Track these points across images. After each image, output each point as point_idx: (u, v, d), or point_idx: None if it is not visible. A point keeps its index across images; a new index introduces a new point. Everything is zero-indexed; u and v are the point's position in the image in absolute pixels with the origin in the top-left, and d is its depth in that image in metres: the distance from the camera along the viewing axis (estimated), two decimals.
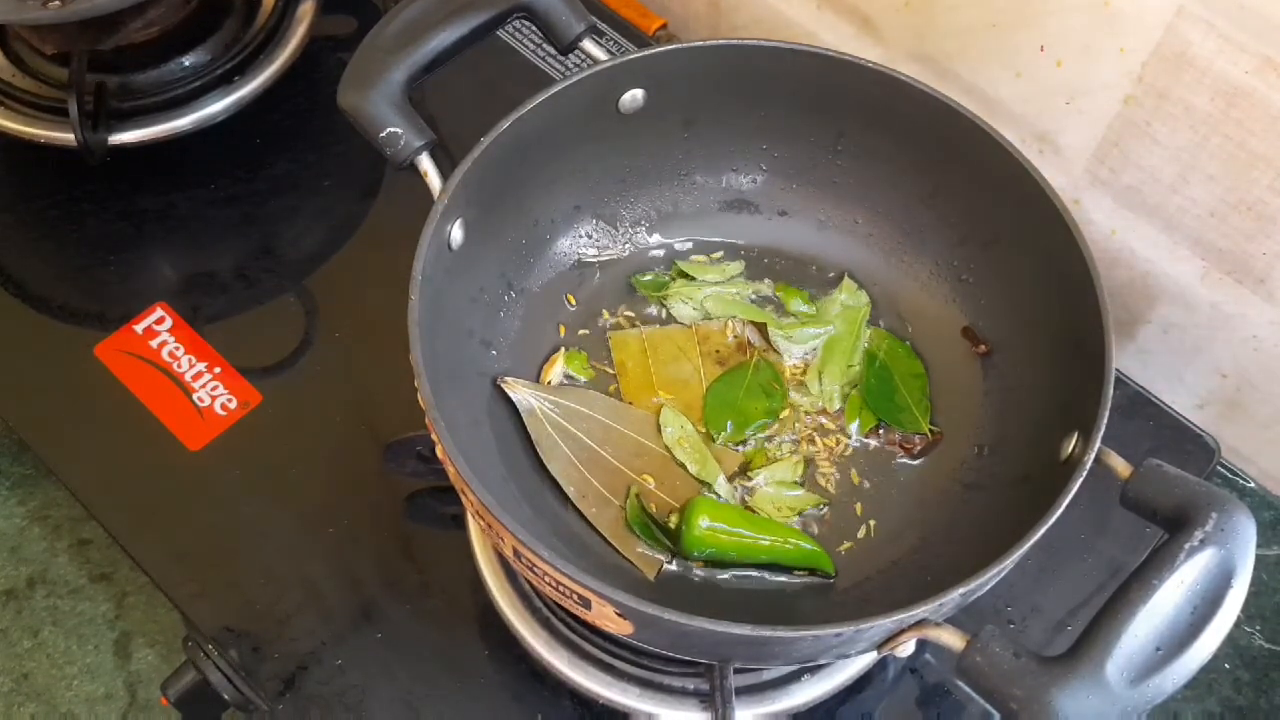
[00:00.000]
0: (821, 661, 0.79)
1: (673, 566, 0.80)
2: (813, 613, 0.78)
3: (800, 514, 0.82)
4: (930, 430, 0.85)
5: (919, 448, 0.85)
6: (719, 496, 0.81)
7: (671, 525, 0.79)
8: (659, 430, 0.84)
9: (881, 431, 0.86)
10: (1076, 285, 0.76)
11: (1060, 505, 0.67)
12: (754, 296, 0.90)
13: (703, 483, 0.82)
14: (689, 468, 0.83)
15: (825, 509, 0.82)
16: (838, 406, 0.86)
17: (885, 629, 0.65)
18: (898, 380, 0.87)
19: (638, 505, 0.80)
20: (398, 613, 0.83)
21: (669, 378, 0.86)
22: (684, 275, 0.90)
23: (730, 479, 0.82)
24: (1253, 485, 0.94)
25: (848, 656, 0.77)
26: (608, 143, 0.85)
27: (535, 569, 0.67)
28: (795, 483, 0.83)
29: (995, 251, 0.86)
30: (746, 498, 0.82)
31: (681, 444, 0.84)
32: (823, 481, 0.83)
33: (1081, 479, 0.68)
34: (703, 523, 0.77)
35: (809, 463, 0.84)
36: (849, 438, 0.86)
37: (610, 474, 0.82)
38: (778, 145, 0.91)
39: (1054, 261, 0.78)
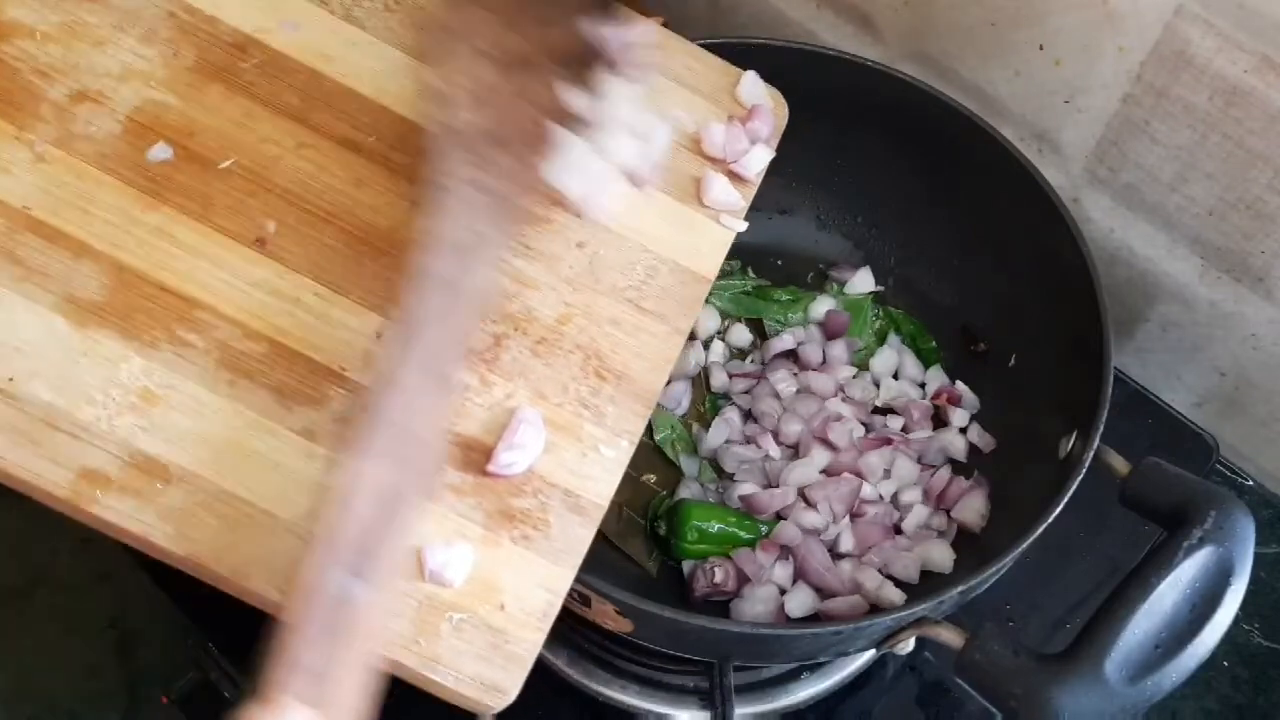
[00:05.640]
0: (821, 659, 0.79)
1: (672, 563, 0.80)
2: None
3: None
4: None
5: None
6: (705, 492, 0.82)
7: (661, 532, 0.80)
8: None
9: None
10: (1075, 283, 0.76)
11: (1059, 503, 0.67)
12: (750, 290, 0.91)
13: (694, 480, 0.82)
14: (682, 467, 0.83)
15: None
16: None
17: (885, 627, 0.65)
18: (919, 346, 0.89)
19: (637, 519, 0.81)
20: None
21: None
22: None
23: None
24: (1251, 483, 0.94)
25: (847, 654, 0.77)
26: None
27: None
28: None
29: (994, 250, 0.86)
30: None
31: (673, 445, 0.84)
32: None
33: (1080, 477, 0.68)
34: (692, 533, 0.78)
35: None
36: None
37: None
38: (778, 144, 0.91)
39: (1053, 260, 0.78)
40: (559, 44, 0.63)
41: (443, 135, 0.60)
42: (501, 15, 0.63)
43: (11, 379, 0.54)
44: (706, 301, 0.89)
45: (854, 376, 0.86)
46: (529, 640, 0.55)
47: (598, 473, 0.59)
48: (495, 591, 0.55)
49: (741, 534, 0.78)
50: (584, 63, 0.64)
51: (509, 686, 0.54)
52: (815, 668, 0.80)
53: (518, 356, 0.61)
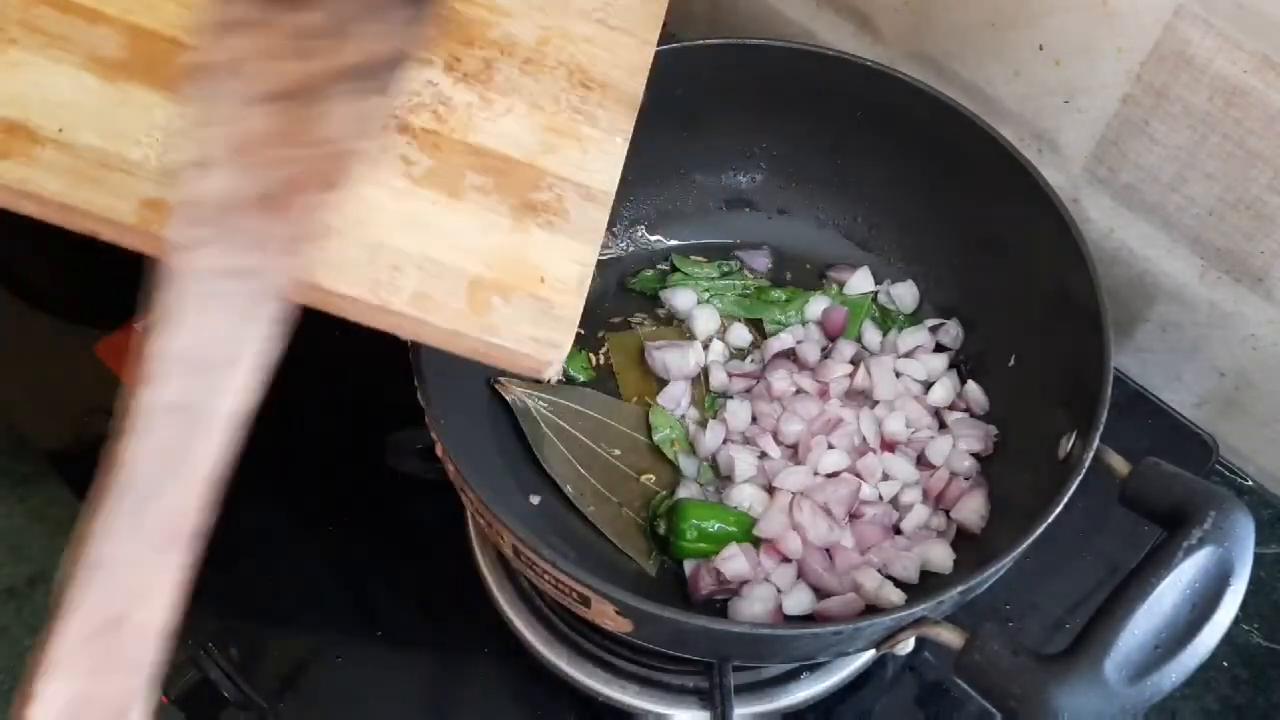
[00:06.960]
0: (820, 659, 0.79)
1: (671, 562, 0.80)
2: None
3: None
4: None
5: None
6: (703, 491, 0.82)
7: (660, 531, 0.80)
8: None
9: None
10: (1075, 283, 0.76)
11: (1058, 504, 0.67)
12: (749, 289, 0.91)
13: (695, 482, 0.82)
14: (681, 467, 0.83)
15: None
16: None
17: (884, 627, 0.65)
18: None
19: (636, 519, 0.81)
20: (398, 612, 0.83)
21: None
22: (680, 270, 0.91)
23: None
24: (1251, 483, 0.94)
25: (847, 654, 0.77)
26: None
27: (535, 567, 0.67)
28: None
29: (994, 250, 0.86)
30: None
31: (672, 445, 0.84)
32: None
33: (1080, 477, 0.68)
34: (692, 532, 0.78)
35: None
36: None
37: (608, 471, 0.82)
38: (777, 144, 0.91)
39: (1052, 260, 0.78)
40: (357, 57, 0.51)
41: (185, 217, 0.48)
42: (283, 35, 0.50)
43: (61, 129, 0.60)
44: (706, 302, 0.89)
45: (852, 376, 0.85)
46: (570, 305, 0.63)
47: (601, 165, 0.68)
48: (533, 268, 0.64)
49: (740, 533, 0.78)
50: (380, 67, 0.52)
51: (561, 340, 0.62)
52: (815, 668, 0.81)
53: (509, 76, 0.69)
